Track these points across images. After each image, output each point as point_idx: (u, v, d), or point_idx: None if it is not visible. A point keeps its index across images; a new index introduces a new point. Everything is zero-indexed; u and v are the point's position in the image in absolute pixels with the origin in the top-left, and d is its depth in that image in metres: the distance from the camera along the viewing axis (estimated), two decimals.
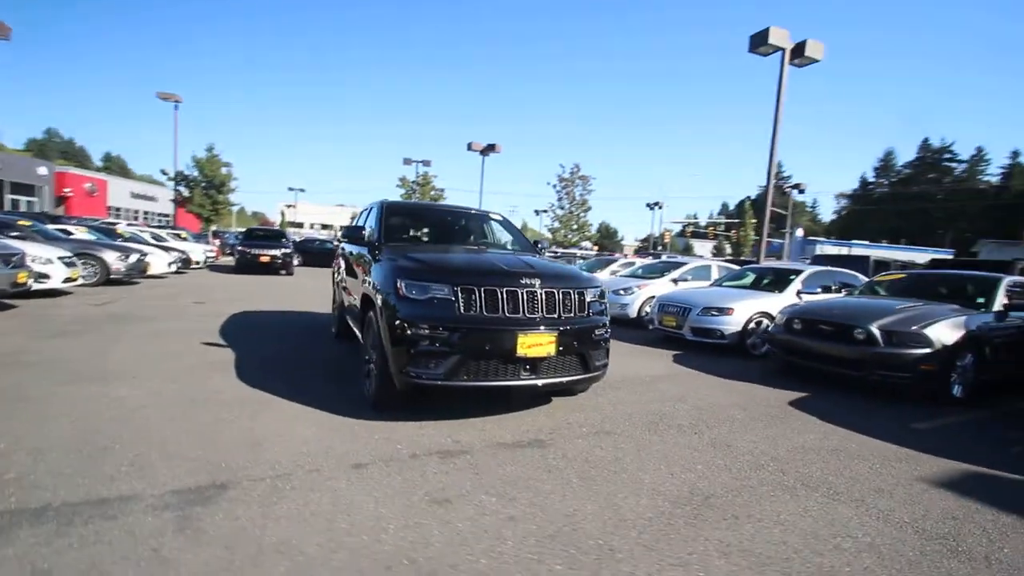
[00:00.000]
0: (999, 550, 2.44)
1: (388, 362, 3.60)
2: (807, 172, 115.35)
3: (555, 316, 3.73)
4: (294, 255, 17.87)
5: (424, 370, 3.49)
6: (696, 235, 59.47)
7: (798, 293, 7.85)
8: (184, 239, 19.05)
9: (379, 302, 3.80)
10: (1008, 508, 2.89)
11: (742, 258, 24.64)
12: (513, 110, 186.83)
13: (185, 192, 28.39)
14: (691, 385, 5.42)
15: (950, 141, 59.83)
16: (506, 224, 5.93)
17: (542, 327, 3.62)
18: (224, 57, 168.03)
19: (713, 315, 7.37)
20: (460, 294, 3.56)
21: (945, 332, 5.05)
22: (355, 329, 5.12)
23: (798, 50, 12.11)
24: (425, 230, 5.67)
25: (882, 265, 13.26)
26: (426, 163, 29.36)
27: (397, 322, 3.53)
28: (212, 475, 2.70)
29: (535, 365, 3.64)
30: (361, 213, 6.61)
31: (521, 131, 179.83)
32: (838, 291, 7.78)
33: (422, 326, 3.48)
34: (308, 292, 12.26)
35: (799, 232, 44.06)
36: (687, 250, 54.67)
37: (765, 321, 7.28)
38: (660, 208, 42.49)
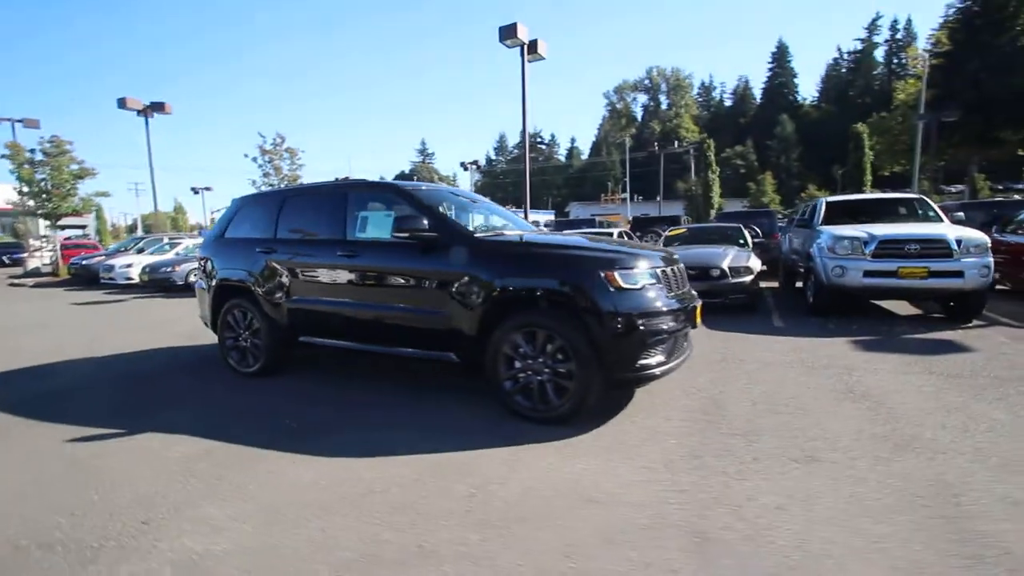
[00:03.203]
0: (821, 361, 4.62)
1: (587, 366, 3.33)
2: (449, 147, 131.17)
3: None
4: None
5: (654, 359, 3.44)
6: None
7: None
8: None
9: (587, 295, 3.38)
10: (826, 348, 5.26)
11: None
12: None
13: None
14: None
15: (539, 129, 79.76)
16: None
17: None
18: None
19: None
20: (661, 278, 3.61)
21: (755, 262, 7.81)
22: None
23: (532, 47, 14.34)
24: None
25: None
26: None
27: (626, 314, 3.31)
28: None
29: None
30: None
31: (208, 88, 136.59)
32: None
33: (654, 313, 3.40)
34: None
35: None
36: None
37: None
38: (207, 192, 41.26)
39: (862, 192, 28.78)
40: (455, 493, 2.66)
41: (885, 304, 8.01)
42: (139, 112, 19.63)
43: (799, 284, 10.04)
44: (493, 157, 78.93)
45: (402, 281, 4.06)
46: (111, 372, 5.42)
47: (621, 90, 79.75)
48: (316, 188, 4.95)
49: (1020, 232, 8.46)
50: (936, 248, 6.38)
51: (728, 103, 79.81)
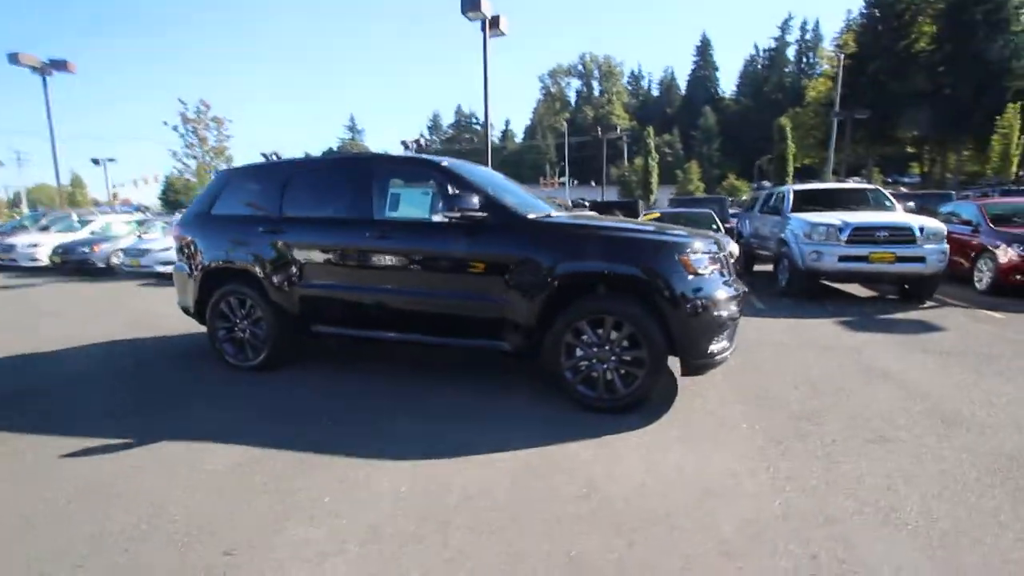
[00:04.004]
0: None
1: (659, 353, 3.27)
2: (379, 124, 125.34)
3: None
4: None
5: (720, 345, 3.42)
6: None
7: None
8: None
9: (665, 280, 3.28)
10: (818, 329, 5.67)
11: None
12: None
13: None
14: None
15: (473, 111, 78.45)
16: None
17: None
18: None
19: None
20: (721, 262, 3.59)
21: (734, 247, 8.12)
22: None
23: (494, 22, 13.86)
24: None
25: None
26: None
27: (700, 300, 3.26)
28: None
29: None
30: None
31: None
32: None
33: (722, 298, 3.37)
34: None
35: None
36: None
37: None
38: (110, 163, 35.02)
39: (785, 182, 31.09)
40: (566, 493, 2.49)
41: (844, 287, 8.64)
42: (35, 70, 16.85)
43: (757, 268, 10.68)
44: (427, 136, 76.84)
45: (447, 265, 3.74)
46: (79, 367, 4.64)
47: (555, 74, 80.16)
48: (333, 162, 4.45)
49: (947, 223, 9.45)
50: (902, 235, 6.93)
51: (656, 93, 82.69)
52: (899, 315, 6.53)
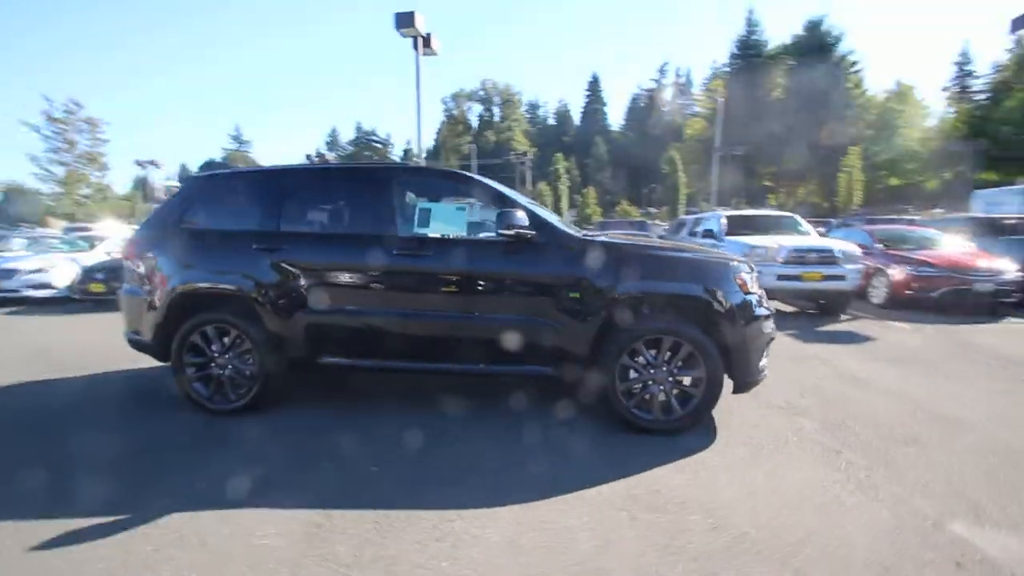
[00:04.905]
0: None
1: (717, 373, 3.32)
2: (270, 137, 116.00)
3: None
4: None
5: (765, 362, 3.54)
6: None
7: None
8: None
9: (726, 300, 3.33)
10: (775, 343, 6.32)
11: None
12: None
13: None
14: None
15: (374, 128, 76.81)
16: None
17: None
18: None
19: None
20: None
21: None
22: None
23: (427, 41, 13.63)
24: None
25: None
26: None
27: (753, 318, 3.35)
28: None
29: None
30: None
31: None
32: None
33: (767, 316, 3.49)
34: None
35: None
36: None
37: None
38: None
39: (677, 209, 34.24)
40: (694, 527, 2.37)
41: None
42: None
43: None
44: (325, 152, 73.35)
45: (492, 286, 3.47)
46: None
47: (458, 97, 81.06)
48: (346, 171, 3.94)
49: None
50: (827, 257, 7.85)
51: (552, 122, 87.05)
52: (830, 327, 7.34)
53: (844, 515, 2.46)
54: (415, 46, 13.49)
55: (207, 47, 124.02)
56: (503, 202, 3.50)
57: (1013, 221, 14.76)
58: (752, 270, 3.61)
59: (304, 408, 3.88)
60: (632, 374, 3.41)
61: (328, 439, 3.32)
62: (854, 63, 39.58)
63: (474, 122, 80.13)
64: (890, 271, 8.91)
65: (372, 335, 3.60)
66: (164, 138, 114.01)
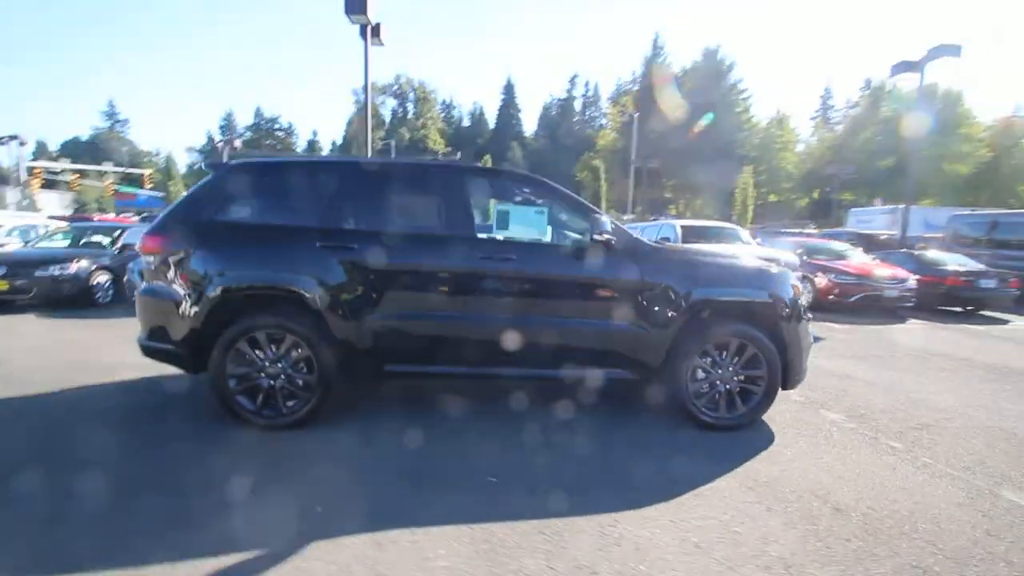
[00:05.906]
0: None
1: (776, 372, 3.60)
2: (153, 116, 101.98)
3: None
4: None
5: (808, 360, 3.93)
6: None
7: None
8: None
9: (786, 304, 3.63)
10: None
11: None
12: None
13: None
14: None
15: (276, 115, 71.53)
16: None
17: None
18: None
19: None
20: None
21: None
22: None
23: (376, 30, 13.02)
24: None
25: None
26: None
27: (805, 321, 3.71)
28: None
29: None
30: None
31: None
32: None
33: (810, 318, 3.88)
34: None
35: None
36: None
37: None
38: None
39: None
40: (823, 511, 2.60)
41: None
42: None
43: None
44: (219, 137, 66.72)
45: (577, 291, 3.50)
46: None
47: (371, 91, 78.06)
48: (411, 167, 3.70)
49: None
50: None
51: (467, 123, 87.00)
52: None
53: (924, 491, 2.85)
54: (363, 34, 12.86)
55: (76, 8, 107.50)
56: (586, 209, 3.55)
57: (884, 237, 17.51)
58: (802, 277, 4.00)
59: (358, 420, 3.61)
60: (700, 374, 3.62)
61: (418, 453, 3.14)
62: (743, 90, 44.23)
63: (388, 117, 77.61)
64: (816, 278, 10.17)
65: (446, 340, 3.46)
66: (23, 113, 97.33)
